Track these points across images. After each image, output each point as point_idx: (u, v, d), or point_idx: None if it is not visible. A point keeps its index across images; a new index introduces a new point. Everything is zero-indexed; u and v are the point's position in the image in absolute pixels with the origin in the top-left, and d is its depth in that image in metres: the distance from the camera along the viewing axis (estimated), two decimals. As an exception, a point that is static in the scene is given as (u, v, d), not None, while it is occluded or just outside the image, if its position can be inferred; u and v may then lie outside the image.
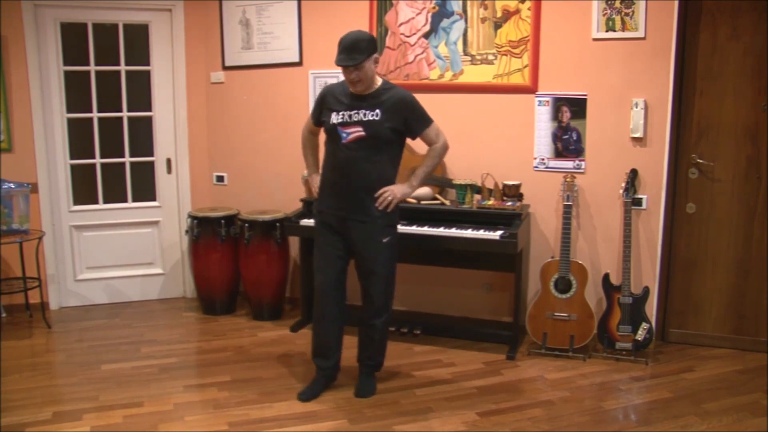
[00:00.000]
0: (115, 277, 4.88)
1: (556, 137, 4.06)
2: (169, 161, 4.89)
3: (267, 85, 4.70)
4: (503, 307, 4.29)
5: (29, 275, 4.48)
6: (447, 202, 4.10)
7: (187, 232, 4.71)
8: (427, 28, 4.21)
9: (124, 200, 4.86)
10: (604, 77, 3.91)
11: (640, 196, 3.93)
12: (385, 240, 3.25)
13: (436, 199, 4.14)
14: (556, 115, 4.04)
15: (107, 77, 4.70)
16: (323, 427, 3.07)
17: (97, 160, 4.75)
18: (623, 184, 3.84)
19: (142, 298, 4.95)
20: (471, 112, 4.21)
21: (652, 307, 3.97)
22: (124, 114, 4.76)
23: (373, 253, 3.25)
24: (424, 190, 4.10)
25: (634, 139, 3.90)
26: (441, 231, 3.83)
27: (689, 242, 4.03)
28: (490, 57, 4.11)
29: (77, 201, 4.75)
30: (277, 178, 4.76)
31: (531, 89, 4.06)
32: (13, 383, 3.52)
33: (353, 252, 3.30)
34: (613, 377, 3.62)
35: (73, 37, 4.61)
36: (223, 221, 4.53)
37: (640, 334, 3.81)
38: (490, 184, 4.08)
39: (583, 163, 4.03)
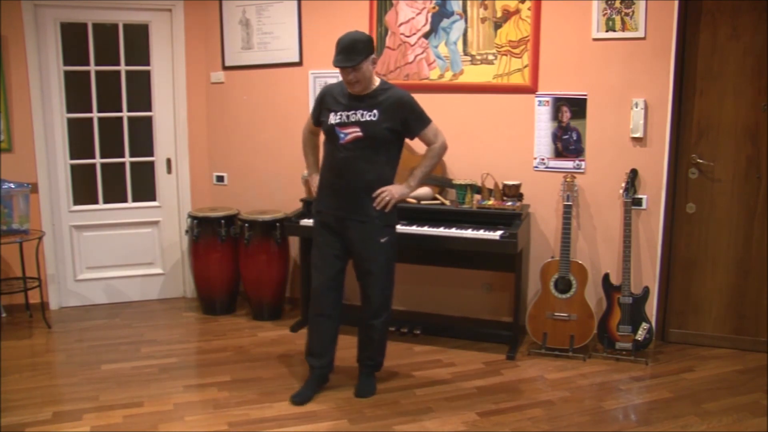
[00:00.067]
0: (115, 277, 4.88)
1: (556, 137, 4.06)
2: (169, 161, 4.89)
3: (267, 85, 4.70)
4: (503, 307, 4.29)
5: (29, 275, 4.48)
6: (447, 202, 4.10)
7: (187, 232, 4.71)
8: (427, 28, 4.21)
9: (124, 200, 4.86)
10: (604, 77, 3.91)
11: (640, 196, 3.93)
12: (383, 240, 3.25)
13: (436, 199, 4.14)
14: (556, 115, 4.04)
15: (107, 77, 4.70)
16: (323, 427, 3.07)
17: (97, 160, 4.75)
18: (623, 184, 3.84)
19: (142, 298, 4.95)
20: (471, 112, 4.21)
21: (652, 307, 3.97)
22: (124, 114, 4.76)
23: (372, 254, 3.25)
24: (424, 190, 4.10)
25: (634, 139, 3.90)
26: (441, 231, 3.83)
27: (689, 242, 4.03)
28: (490, 57, 4.11)
29: (77, 201, 4.75)
30: (277, 178, 4.76)
31: (531, 89, 4.06)
32: (13, 383, 3.52)
33: (351, 252, 3.30)
34: (613, 377, 3.62)
35: (73, 37, 4.61)
36: (223, 221, 4.53)
37: (640, 334, 3.81)
38: (490, 184, 4.08)
39: (583, 163, 4.03)
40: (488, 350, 3.99)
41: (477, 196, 4.04)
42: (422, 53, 4.25)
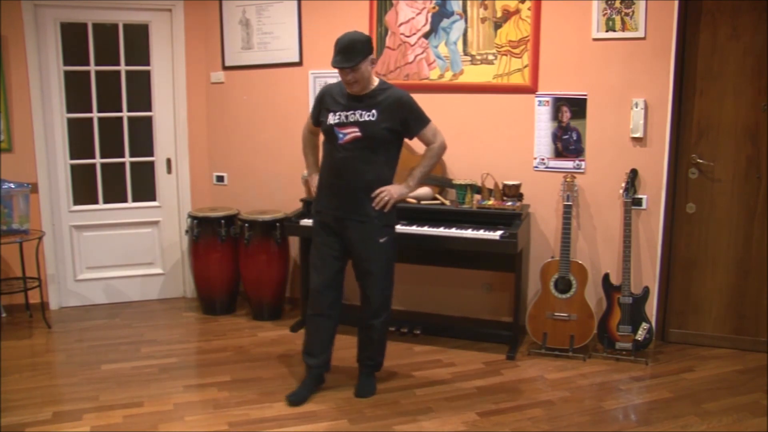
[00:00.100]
0: (115, 277, 4.88)
1: (556, 137, 4.06)
2: (169, 161, 4.89)
3: (267, 85, 4.70)
4: (503, 307, 4.29)
5: (29, 275, 4.48)
6: (447, 202, 4.10)
7: (187, 232, 4.71)
8: (427, 28, 4.21)
9: (124, 200, 4.86)
10: (604, 77, 3.91)
11: (640, 196, 3.93)
12: (382, 240, 3.25)
13: (436, 199, 4.14)
14: (556, 115, 4.04)
15: (107, 77, 4.70)
16: (323, 427, 3.07)
17: (97, 160, 4.75)
18: (623, 184, 3.84)
19: (142, 298, 4.95)
20: (471, 112, 4.21)
21: (652, 307, 3.97)
22: (124, 114, 4.76)
23: (371, 254, 3.25)
24: (424, 190, 4.10)
25: (634, 139, 3.90)
26: (441, 231, 3.83)
27: (689, 242, 4.03)
28: (490, 57, 4.11)
29: (77, 201, 4.75)
30: (277, 178, 4.76)
31: (531, 89, 4.06)
32: (13, 383, 3.52)
33: (351, 252, 3.30)
34: (613, 377, 3.62)
35: (73, 37, 4.61)
36: (223, 221, 4.53)
37: (640, 334, 3.81)
38: (490, 184, 4.08)
39: (583, 163, 4.03)
40: (488, 350, 3.99)
41: (477, 196, 4.04)
42: (422, 53, 4.25)
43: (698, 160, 3.95)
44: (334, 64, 3.07)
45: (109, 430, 3.04)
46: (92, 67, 4.64)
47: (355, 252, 3.28)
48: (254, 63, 4.69)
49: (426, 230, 3.85)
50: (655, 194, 3.92)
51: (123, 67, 4.70)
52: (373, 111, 3.15)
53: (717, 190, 3.94)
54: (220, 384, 3.53)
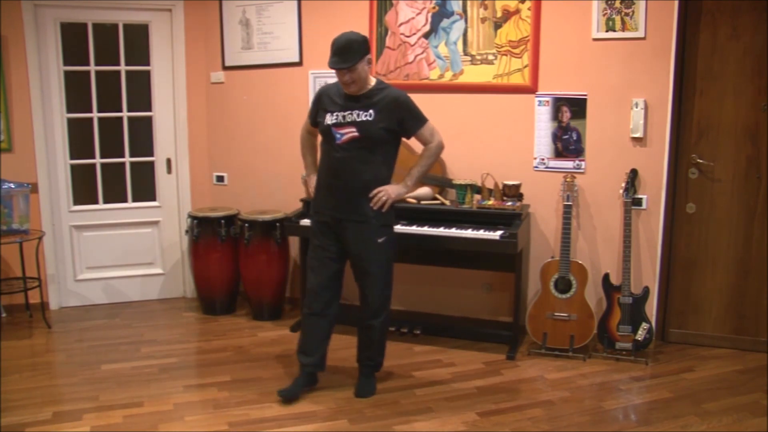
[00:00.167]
0: (115, 277, 4.88)
1: (556, 137, 4.06)
2: (169, 161, 4.89)
3: (267, 85, 4.70)
4: (503, 307, 4.29)
5: (29, 275, 4.48)
6: (447, 202, 4.10)
7: (187, 232, 4.71)
8: (427, 28, 4.21)
9: (124, 200, 4.86)
10: (604, 77, 3.91)
11: (640, 196, 3.93)
12: (380, 240, 3.25)
13: (436, 199, 4.14)
14: (556, 115, 4.04)
15: (107, 77, 4.70)
16: (323, 427, 3.07)
17: (97, 160, 4.75)
18: (623, 184, 3.84)
19: (142, 298, 4.95)
20: (471, 112, 4.21)
21: (652, 307, 3.97)
22: (124, 114, 4.76)
23: (370, 254, 3.25)
24: (424, 190, 4.10)
25: (634, 139, 3.90)
26: (441, 231, 3.83)
27: (689, 242, 4.03)
28: (490, 57, 4.11)
29: (77, 201, 4.75)
30: (277, 178, 4.76)
31: (531, 89, 4.06)
32: (13, 383, 3.52)
33: (349, 253, 3.30)
34: (613, 377, 3.62)
35: (73, 37, 4.61)
36: (223, 221, 4.53)
37: (640, 334, 3.81)
38: (490, 184, 4.08)
39: (583, 163, 4.03)
40: (488, 350, 3.99)
41: (477, 196, 4.04)
42: (422, 53, 4.25)
43: (698, 160, 3.95)
44: (331, 65, 3.08)
45: (109, 430, 3.04)
46: (92, 67, 4.64)
47: (353, 252, 3.28)
48: (254, 63, 4.69)
49: (426, 230, 3.85)
50: (655, 194, 3.92)
51: (123, 67, 4.70)
52: (371, 111, 3.15)
53: (717, 190, 3.94)
54: (220, 384, 3.53)
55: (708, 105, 3.88)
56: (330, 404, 3.29)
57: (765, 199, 3.85)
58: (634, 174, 3.87)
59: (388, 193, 3.21)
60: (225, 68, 4.80)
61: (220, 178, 4.96)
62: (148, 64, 4.76)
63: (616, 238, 4.00)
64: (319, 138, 3.37)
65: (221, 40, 4.76)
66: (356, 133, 3.15)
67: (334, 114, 3.20)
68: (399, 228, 3.72)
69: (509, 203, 3.94)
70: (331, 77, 4.25)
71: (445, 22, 4.16)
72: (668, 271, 4.07)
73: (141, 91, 4.78)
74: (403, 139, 3.34)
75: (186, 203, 4.93)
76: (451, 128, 4.02)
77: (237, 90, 4.80)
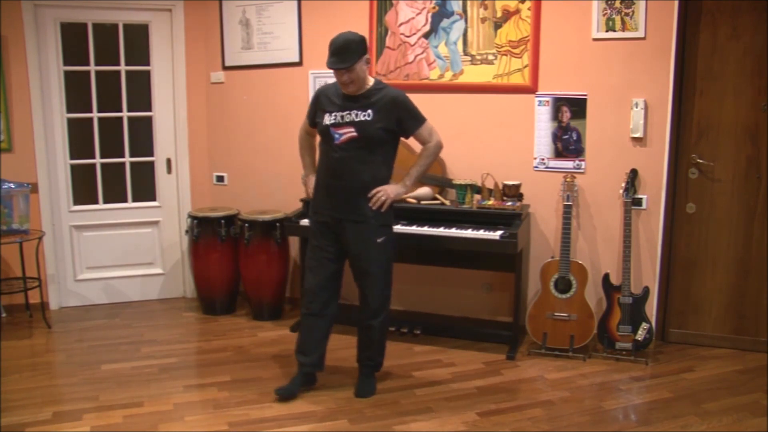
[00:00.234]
0: (115, 277, 4.88)
1: (556, 137, 4.06)
2: (169, 161, 4.89)
3: (267, 85, 4.70)
4: (503, 307, 4.29)
5: (29, 275, 4.48)
6: (447, 202, 4.10)
7: (187, 232, 4.71)
8: (427, 28, 4.21)
9: (124, 200, 4.86)
10: (604, 77, 3.91)
11: (640, 196, 3.93)
12: (379, 240, 3.25)
13: (436, 199, 4.14)
14: (556, 115, 4.04)
15: (107, 77, 4.70)
16: (323, 427, 3.07)
17: (97, 160, 4.75)
18: (623, 184, 3.84)
19: (142, 298, 4.95)
20: (471, 112, 4.21)
21: (652, 307, 3.97)
22: (124, 114, 4.76)
23: (369, 254, 3.25)
24: (424, 190, 4.10)
25: (634, 139, 3.90)
26: (441, 231, 3.83)
27: (689, 242, 4.03)
28: (490, 57, 4.11)
29: (77, 201, 4.75)
30: (277, 178, 4.76)
31: (531, 89, 4.06)
32: (13, 383, 3.52)
33: (348, 253, 3.30)
34: (613, 377, 3.62)
35: (73, 37, 4.61)
36: (223, 221, 4.53)
37: (640, 334, 3.81)
38: (490, 184, 4.08)
39: (583, 163, 4.03)
40: (488, 350, 3.99)
41: (477, 196, 4.04)
42: (422, 53, 4.25)
43: (698, 160, 3.95)
44: (329, 65, 3.08)
45: (109, 430, 3.04)
46: (92, 67, 4.64)
47: (352, 252, 3.28)
48: (254, 63, 4.69)
49: (426, 230, 3.85)
50: (655, 194, 3.92)
51: (123, 67, 4.71)
52: (369, 111, 3.15)
53: (717, 190, 3.94)
54: (220, 384, 3.53)
55: (708, 105, 3.88)
56: (330, 404, 3.29)
57: (765, 199, 3.85)
58: (634, 174, 3.87)
59: (387, 193, 3.21)
60: (225, 68, 4.80)
61: (220, 178, 4.97)
62: (148, 64, 4.76)
63: (616, 238, 4.00)
64: (318, 138, 3.37)
65: (221, 40, 4.76)
66: (355, 133, 3.15)
67: (333, 114, 3.20)
68: (399, 228, 3.71)
69: (509, 203, 3.94)
70: (331, 77, 4.24)
71: (445, 22, 4.16)
72: (668, 271, 4.07)
73: (141, 91, 4.78)
74: (402, 139, 3.34)
75: (186, 203, 4.93)
76: (451, 128, 4.02)
77: (237, 90, 4.80)
